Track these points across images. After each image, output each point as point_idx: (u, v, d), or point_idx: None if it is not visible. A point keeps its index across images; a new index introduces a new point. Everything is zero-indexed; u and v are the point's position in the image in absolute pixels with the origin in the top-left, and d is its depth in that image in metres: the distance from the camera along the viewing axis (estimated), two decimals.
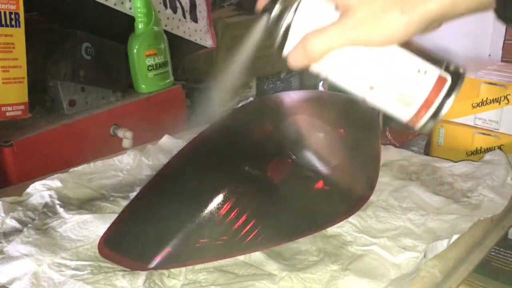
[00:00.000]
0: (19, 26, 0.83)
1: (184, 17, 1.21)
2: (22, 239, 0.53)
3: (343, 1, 0.37)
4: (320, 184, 0.56)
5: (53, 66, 0.92)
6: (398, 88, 0.38)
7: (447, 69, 0.38)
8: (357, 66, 0.38)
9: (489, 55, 2.31)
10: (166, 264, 0.48)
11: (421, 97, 0.38)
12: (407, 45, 0.38)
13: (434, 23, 0.36)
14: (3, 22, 0.81)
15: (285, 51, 0.40)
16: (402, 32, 0.36)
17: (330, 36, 0.37)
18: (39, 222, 0.57)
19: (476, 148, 0.89)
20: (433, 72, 0.38)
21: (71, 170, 0.70)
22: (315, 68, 0.40)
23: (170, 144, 0.80)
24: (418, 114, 0.38)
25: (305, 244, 0.54)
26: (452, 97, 0.38)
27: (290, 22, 0.38)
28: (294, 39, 0.39)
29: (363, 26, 0.36)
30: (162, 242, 0.49)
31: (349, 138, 0.61)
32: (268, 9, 0.40)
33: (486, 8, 0.35)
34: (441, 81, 0.38)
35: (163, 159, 0.75)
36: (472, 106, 0.89)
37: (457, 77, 0.38)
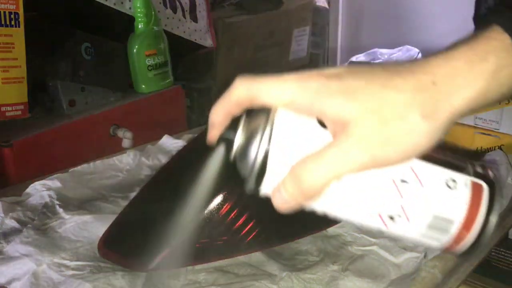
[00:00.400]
0: (19, 26, 0.83)
1: (184, 17, 1.21)
2: (22, 239, 0.53)
3: (334, 113, 0.28)
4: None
5: (53, 66, 0.92)
6: (428, 211, 0.30)
7: (476, 174, 0.31)
8: (367, 194, 0.29)
9: None
10: (166, 264, 0.48)
11: (458, 216, 0.30)
12: (425, 155, 0.30)
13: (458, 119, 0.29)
14: (3, 22, 0.81)
15: (265, 190, 0.30)
16: (425, 141, 0.28)
17: (331, 164, 0.28)
18: (39, 222, 0.57)
19: (477, 148, 0.89)
20: (464, 180, 0.30)
21: (71, 170, 0.69)
22: (313, 205, 0.30)
23: (170, 144, 0.80)
24: (458, 238, 0.30)
25: (305, 244, 0.54)
26: (497, 207, 0.31)
27: (267, 151, 0.29)
28: (276, 174, 0.29)
29: (372, 144, 0.27)
30: (161, 242, 0.49)
31: None
32: (225, 138, 0.31)
33: None
34: (476, 189, 0.30)
35: (163, 159, 0.75)
36: None
37: (491, 181, 0.31)
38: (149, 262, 0.48)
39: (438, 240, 0.31)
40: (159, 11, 1.12)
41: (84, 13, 1.01)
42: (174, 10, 1.18)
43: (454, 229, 0.30)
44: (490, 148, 0.87)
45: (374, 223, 0.31)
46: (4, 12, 0.81)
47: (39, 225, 0.57)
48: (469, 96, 0.28)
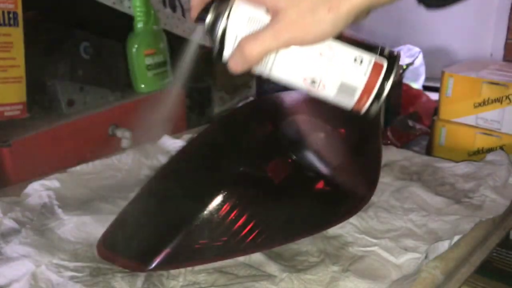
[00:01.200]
0: (17, 25, 0.83)
1: (184, 16, 1.21)
2: (20, 240, 0.53)
3: (272, 4, 0.38)
4: (320, 185, 0.55)
5: (52, 65, 0.92)
6: (338, 79, 0.40)
7: (381, 54, 0.40)
8: (296, 64, 0.40)
9: (491, 55, 2.32)
10: (165, 265, 0.48)
11: (361, 84, 0.40)
12: (341, 37, 0.40)
13: (362, 14, 0.39)
14: (1, 21, 0.80)
15: (224, 57, 0.41)
16: (331, 28, 0.38)
17: (263, 40, 0.38)
18: (37, 222, 0.57)
19: (478, 148, 0.89)
20: (369, 59, 0.40)
21: (69, 170, 0.69)
22: (257, 70, 0.41)
23: (169, 144, 0.80)
24: (360, 101, 0.41)
25: (305, 245, 0.54)
26: (391, 80, 0.40)
27: (225, 29, 0.39)
28: (231, 45, 0.40)
29: (293, 28, 0.38)
30: (161, 243, 0.49)
31: (350, 138, 0.61)
32: (201, 17, 0.40)
33: None
34: (377, 66, 0.40)
35: (162, 159, 0.75)
36: (474, 106, 0.89)
37: (393, 60, 0.40)
38: (148, 262, 0.48)
39: (347, 102, 0.41)
40: (158, 10, 1.11)
41: (82, 12, 1.01)
42: (174, 9, 1.18)
43: (357, 94, 0.41)
44: (491, 148, 0.86)
45: (301, 86, 0.41)
46: (3, 12, 0.80)
47: (38, 225, 0.56)
48: None
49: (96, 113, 0.98)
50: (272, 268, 0.50)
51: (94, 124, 0.97)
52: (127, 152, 0.76)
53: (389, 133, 1.18)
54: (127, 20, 1.04)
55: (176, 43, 1.17)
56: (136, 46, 1.05)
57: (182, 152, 0.60)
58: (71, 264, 0.50)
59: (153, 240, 0.50)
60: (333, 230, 0.56)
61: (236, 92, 1.67)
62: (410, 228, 0.57)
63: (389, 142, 1.15)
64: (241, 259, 0.51)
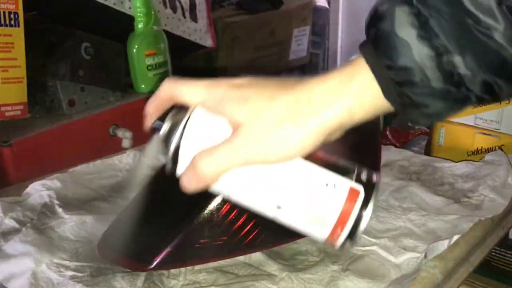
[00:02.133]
0: (18, 26, 0.83)
1: (184, 16, 1.21)
2: (21, 238, 0.53)
3: (231, 116, 0.34)
4: None
5: (53, 66, 0.92)
6: (306, 206, 0.34)
7: (358, 179, 0.35)
8: (258, 186, 0.34)
9: None
10: (166, 264, 0.48)
11: (334, 213, 0.34)
12: (310, 157, 0.34)
13: (335, 133, 0.34)
14: (2, 22, 0.81)
15: (178, 174, 0.36)
16: (298, 147, 0.33)
17: (220, 157, 0.33)
18: (38, 222, 0.57)
19: (477, 148, 0.89)
20: (343, 184, 0.34)
21: (70, 170, 0.69)
22: (214, 188, 0.35)
23: None
24: (334, 233, 0.34)
25: (305, 244, 0.54)
26: (369, 209, 0.34)
27: (179, 141, 0.34)
28: (185, 161, 0.35)
29: (253, 144, 0.33)
30: (161, 242, 0.49)
31: (349, 137, 0.61)
32: (156, 127, 0.36)
33: (386, 112, 0.34)
34: (353, 193, 0.34)
35: (163, 159, 0.75)
36: (473, 105, 0.89)
37: (371, 187, 0.35)
38: (148, 262, 0.48)
39: (319, 233, 0.35)
40: (158, 11, 1.11)
41: (83, 13, 1.01)
42: (174, 9, 1.18)
43: (330, 225, 0.34)
44: (490, 148, 0.86)
45: (266, 211, 0.36)
46: (4, 12, 0.81)
47: (38, 224, 0.56)
48: (336, 114, 0.33)
49: (97, 113, 0.98)
50: (272, 267, 0.50)
51: (95, 124, 0.98)
52: (127, 152, 0.76)
53: (388, 133, 1.18)
54: (128, 21, 1.05)
55: (176, 44, 1.17)
56: (136, 46, 1.05)
57: None
58: (72, 264, 0.50)
59: (153, 240, 0.50)
60: None
61: None
62: (409, 228, 0.57)
63: (388, 142, 1.15)
64: (241, 258, 0.51)
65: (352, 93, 0.33)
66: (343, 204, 0.34)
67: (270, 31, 1.69)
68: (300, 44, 1.84)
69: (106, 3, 0.99)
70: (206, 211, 0.49)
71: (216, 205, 0.49)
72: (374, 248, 0.53)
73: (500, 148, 0.85)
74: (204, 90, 0.35)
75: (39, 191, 0.64)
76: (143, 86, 1.09)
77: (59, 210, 0.59)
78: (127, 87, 1.09)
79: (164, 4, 1.15)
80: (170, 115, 0.36)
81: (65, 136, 0.92)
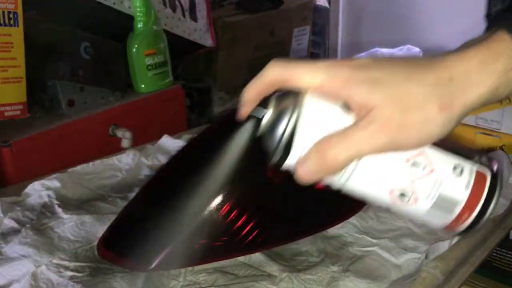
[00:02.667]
0: (18, 26, 0.83)
1: (184, 16, 1.21)
2: (20, 240, 0.53)
3: (360, 99, 0.31)
4: (320, 185, 0.55)
5: (52, 65, 0.92)
6: (434, 192, 0.33)
7: (481, 163, 0.34)
8: (382, 173, 0.33)
9: None
10: (166, 265, 0.48)
11: (463, 198, 0.33)
12: (438, 142, 0.33)
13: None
14: (2, 22, 0.80)
15: (290, 163, 0.33)
16: (439, 131, 0.31)
17: (355, 143, 0.31)
18: (37, 222, 0.57)
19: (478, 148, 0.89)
20: (470, 168, 0.34)
21: (70, 170, 0.69)
22: (328, 179, 0.34)
23: (169, 144, 0.80)
24: (460, 218, 0.34)
25: (305, 245, 0.54)
26: (497, 193, 0.34)
27: (293, 129, 0.32)
28: (301, 149, 0.32)
29: (393, 129, 0.31)
30: (161, 242, 0.49)
31: None
32: (255, 115, 0.34)
33: None
34: (480, 177, 0.34)
35: (163, 159, 0.75)
36: None
37: (497, 169, 0.34)
38: (148, 262, 0.48)
39: (442, 219, 0.34)
40: (158, 11, 1.11)
41: (83, 12, 1.01)
42: (174, 9, 1.18)
43: (457, 210, 0.34)
44: (491, 148, 0.86)
45: (385, 198, 0.34)
46: (3, 12, 0.80)
47: (38, 225, 0.56)
48: (481, 93, 0.31)
49: (97, 113, 0.98)
50: (272, 268, 0.50)
51: (94, 124, 0.97)
52: (127, 152, 0.76)
53: None
54: (128, 20, 1.04)
55: (176, 43, 1.17)
56: (136, 46, 1.05)
57: (182, 152, 0.60)
58: (71, 264, 0.50)
59: (153, 240, 0.50)
60: (333, 230, 0.56)
61: (236, 92, 1.67)
62: (410, 228, 0.57)
63: None
64: (241, 259, 0.51)
65: (498, 72, 0.31)
66: (471, 188, 0.33)
67: (270, 30, 1.68)
68: (300, 43, 1.84)
69: (105, 2, 0.99)
70: (206, 212, 0.49)
71: (216, 205, 0.49)
72: (375, 248, 0.53)
73: (501, 148, 0.85)
74: (324, 72, 0.32)
75: (38, 191, 0.63)
76: (142, 86, 1.08)
77: (59, 210, 0.59)
78: (127, 87, 1.08)
79: (164, 3, 1.15)
80: (274, 101, 0.33)
81: (64, 136, 0.91)
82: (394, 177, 0.33)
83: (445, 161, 0.33)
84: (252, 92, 0.35)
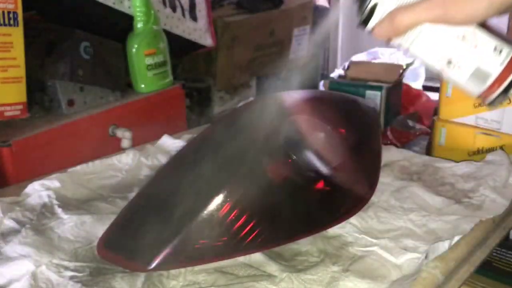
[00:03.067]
0: (17, 25, 0.83)
1: (184, 16, 1.21)
2: (20, 240, 0.53)
3: None
4: (320, 185, 0.55)
5: (52, 65, 0.92)
6: (475, 64, 0.42)
7: None
8: (437, 42, 0.42)
9: None
10: (165, 265, 0.48)
11: (496, 73, 0.41)
12: (484, 25, 0.41)
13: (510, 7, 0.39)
14: (1, 21, 0.80)
15: (370, 25, 0.43)
16: (484, 11, 0.39)
17: (417, 12, 0.40)
18: (37, 222, 0.57)
19: (478, 148, 0.89)
20: (508, 51, 0.41)
21: (69, 170, 0.69)
22: (397, 40, 0.43)
23: (169, 144, 0.80)
24: (490, 89, 0.42)
25: (305, 245, 0.54)
26: None
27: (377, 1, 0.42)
28: (379, 15, 0.42)
29: (447, 5, 0.39)
30: (161, 243, 0.49)
31: (350, 138, 0.61)
32: None
33: None
34: None
35: (162, 159, 0.75)
36: (474, 106, 0.89)
37: None
38: (148, 262, 0.48)
39: (477, 88, 0.42)
40: (158, 10, 1.11)
41: (83, 12, 1.01)
42: (174, 9, 1.18)
43: (489, 81, 0.41)
44: (491, 148, 0.86)
45: (436, 64, 0.43)
46: (3, 12, 0.80)
47: (38, 225, 0.56)
48: None
49: (96, 113, 0.98)
50: (272, 268, 0.50)
51: (94, 124, 0.97)
52: (127, 152, 0.76)
53: (389, 133, 1.18)
54: (127, 20, 1.04)
55: (176, 43, 1.17)
56: (136, 46, 1.05)
57: (182, 152, 0.60)
58: (71, 264, 0.50)
59: (153, 240, 0.50)
60: (333, 230, 0.56)
61: (236, 92, 1.67)
62: (410, 228, 0.57)
63: (389, 142, 1.15)
64: (241, 259, 0.51)
65: None
66: (505, 66, 0.41)
67: (270, 30, 1.68)
68: (300, 43, 1.84)
69: (105, 2, 0.99)
70: (206, 211, 0.49)
71: (216, 205, 0.49)
72: (375, 248, 0.53)
73: (501, 148, 0.85)
74: None
75: (38, 191, 0.63)
76: (142, 85, 1.08)
77: (59, 210, 0.59)
78: (127, 87, 1.08)
79: (164, 3, 1.15)
80: None
81: (64, 136, 0.91)
82: (446, 46, 0.42)
83: (488, 41, 0.41)
84: None
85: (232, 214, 0.49)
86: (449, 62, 0.42)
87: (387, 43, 0.44)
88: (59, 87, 0.93)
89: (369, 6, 0.43)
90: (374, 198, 0.61)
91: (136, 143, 0.93)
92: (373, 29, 0.43)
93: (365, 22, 0.44)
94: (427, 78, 2.04)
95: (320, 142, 0.59)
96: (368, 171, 0.61)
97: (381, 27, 0.42)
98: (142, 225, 0.52)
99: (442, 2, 0.40)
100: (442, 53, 0.43)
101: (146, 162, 0.75)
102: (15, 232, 0.55)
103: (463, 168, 0.72)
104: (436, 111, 0.96)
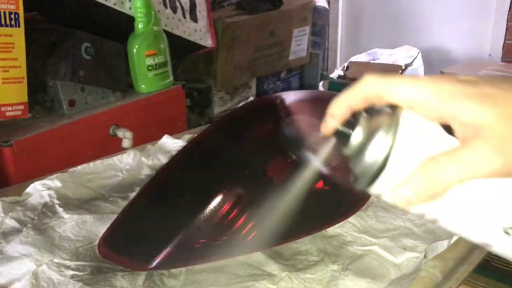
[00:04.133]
0: (19, 26, 0.83)
1: (184, 17, 1.21)
2: (21, 239, 0.53)
3: (468, 116, 0.28)
4: (320, 184, 0.56)
5: (53, 66, 0.92)
6: None
7: None
8: (484, 204, 0.28)
9: (490, 55, 2.32)
10: (166, 264, 0.48)
11: None
12: None
13: None
14: (3, 22, 0.81)
15: (378, 187, 0.30)
16: None
17: (463, 164, 0.27)
18: (38, 222, 0.57)
19: None
20: None
21: (70, 170, 0.69)
22: (421, 208, 0.30)
23: (169, 144, 0.80)
24: None
25: (305, 244, 0.54)
26: None
27: (390, 149, 0.29)
28: (396, 172, 0.29)
29: (507, 150, 0.27)
30: (161, 242, 0.49)
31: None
32: (342, 131, 0.31)
33: None
34: None
35: (163, 159, 0.75)
36: None
37: None
38: (149, 261, 0.48)
39: None
40: (159, 11, 1.12)
41: (84, 13, 1.01)
42: (174, 10, 1.18)
43: None
44: None
45: (487, 236, 0.29)
46: (4, 12, 0.81)
47: (39, 224, 0.57)
48: None
49: (97, 113, 0.98)
50: (272, 267, 0.50)
51: (95, 124, 0.98)
52: (127, 152, 0.76)
53: None
54: (128, 21, 1.05)
55: (176, 44, 1.17)
56: (136, 46, 1.05)
57: (183, 152, 0.61)
58: (72, 263, 0.50)
59: (153, 239, 0.50)
60: (333, 230, 0.57)
61: (236, 92, 1.67)
62: (409, 228, 0.57)
63: None
64: (241, 258, 0.51)
65: None
66: None
67: (270, 31, 1.69)
68: (300, 44, 1.84)
69: (106, 3, 0.99)
70: (206, 211, 0.49)
71: (216, 205, 0.49)
72: (374, 247, 0.53)
73: None
74: (429, 86, 0.29)
75: (39, 191, 0.64)
76: (143, 86, 1.09)
77: (60, 209, 0.59)
78: (127, 87, 1.09)
79: (164, 4, 1.15)
80: (364, 118, 0.31)
81: (65, 136, 0.92)
82: (501, 210, 0.28)
83: None
84: (343, 106, 0.32)
85: (232, 214, 0.49)
86: (506, 233, 0.28)
87: (406, 210, 0.30)
88: (60, 87, 0.93)
89: (379, 158, 0.29)
90: (373, 198, 0.62)
91: (137, 143, 0.93)
92: (391, 192, 0.29)
93: (370, 181, 0.30)
94: None
95: (319, 142, 0.59)
96: None
97: (410, 189, 0.28)
98: (142, 225, 0.53)
99: (503, 148, 0.27)
100: (493, 220, 0.28)
101: (147, 162, 0.75)
102: (16, 231, 0.56)
103: None
104: None
